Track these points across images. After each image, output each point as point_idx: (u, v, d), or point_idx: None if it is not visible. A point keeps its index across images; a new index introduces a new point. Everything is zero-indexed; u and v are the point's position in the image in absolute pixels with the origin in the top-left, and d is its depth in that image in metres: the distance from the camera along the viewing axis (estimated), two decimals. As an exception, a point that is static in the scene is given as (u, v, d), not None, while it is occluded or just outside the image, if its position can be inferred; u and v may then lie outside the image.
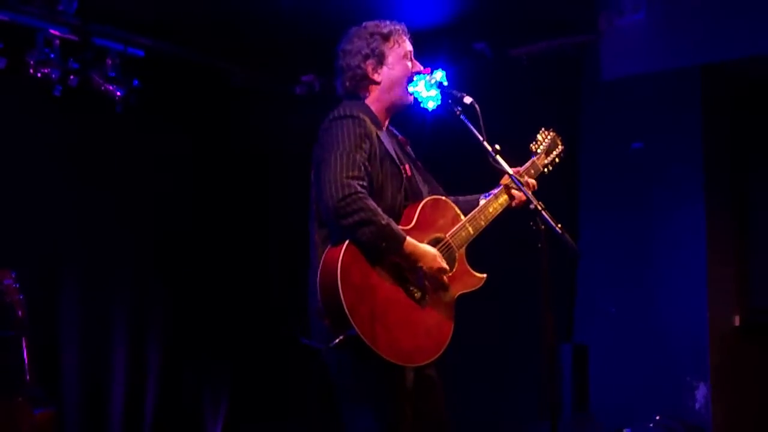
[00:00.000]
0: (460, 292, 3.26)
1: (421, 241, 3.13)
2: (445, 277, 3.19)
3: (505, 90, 5.80)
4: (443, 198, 3.33)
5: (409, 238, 3.07)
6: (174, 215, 5.98)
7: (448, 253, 3.21)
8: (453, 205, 3.34)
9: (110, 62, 5.44)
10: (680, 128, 5.59)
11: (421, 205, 3.22)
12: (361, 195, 3.00)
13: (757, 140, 5.71)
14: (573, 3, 5.68)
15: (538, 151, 3.66)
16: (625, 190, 5.77)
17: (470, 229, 3.29)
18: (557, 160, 3.72)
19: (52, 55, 5.16)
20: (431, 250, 3.14)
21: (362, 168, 3.07)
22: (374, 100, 3.32)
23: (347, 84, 3.33)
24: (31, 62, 5.12)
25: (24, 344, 4.37)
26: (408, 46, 3.37)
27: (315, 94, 6.46)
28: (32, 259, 5.21)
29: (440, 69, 3.35)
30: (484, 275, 3.32)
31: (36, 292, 4.90)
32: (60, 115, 5.39)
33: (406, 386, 3.11)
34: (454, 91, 3.30)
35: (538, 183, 3.54)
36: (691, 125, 5.55)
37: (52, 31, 5.19)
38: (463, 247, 3.28)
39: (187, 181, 6.12)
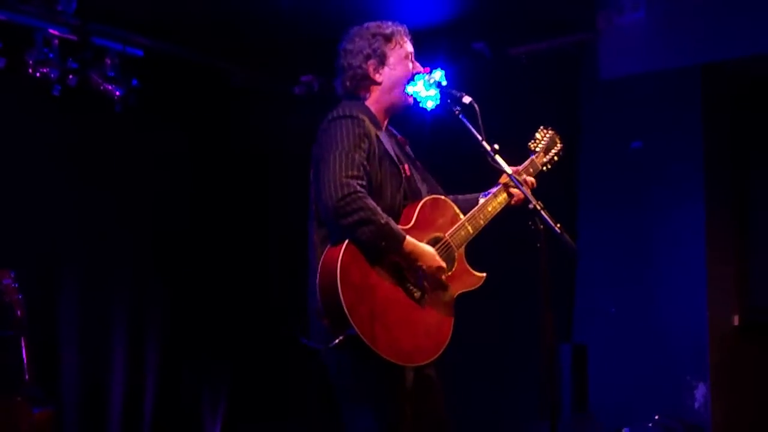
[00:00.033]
0: (459, 292, 3.25)
1: (420, 241, 3.13)
2: (444, 277, 3.18)
3: (504, 89, 5.80)
4: (442, 197, 3.33)
5: (408, 237, 3.07)
6: (173, 215, 5.98)
7: (447, 252, 3.21)
8: (452, 204, 3.34)
9: (109, 62, 5.44)
10: (680, 127, 5.58)
11: (420, 204, 3.22)
12: (360, 194, 3.00)
13: (757, 139, 5.70)
14: (572, 2, 5.68)
15: (537, 149, 3.66)
16: (625, 189, 5.77)
17: (469, 228, 3.29)
18: (556, 158, 3.72)
19: (51, 55, 5.15)
20: (430, 249, 3.14)
21: (361, 168, 3.06)
22: (374, 101, 3.32)
23: (348, 84, 3.33)
24: (30, 62, 5.11)
25: (23, 344, 4.37)
26: (409, 47, 3.37)
27: (314, 94, 6.45)
28: (31, 258, 5.20)
29: (439, 68, 3.35)
30: (484, 274, 3.32)
31: (35, 291, 4.89)
32: (59, 115, 5.38)
33: (406, 386, 3.11)
34: (453, 91, 3.30)
35: (537, 181, 3.54)
36: (692, 124, 5.55)
37: (51, 30, 5.19)
38: (463, 247, 3.28)
39: (186, 180, 6.12)
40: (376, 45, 3.30)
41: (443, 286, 3.20)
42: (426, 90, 3.32)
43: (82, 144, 5.54)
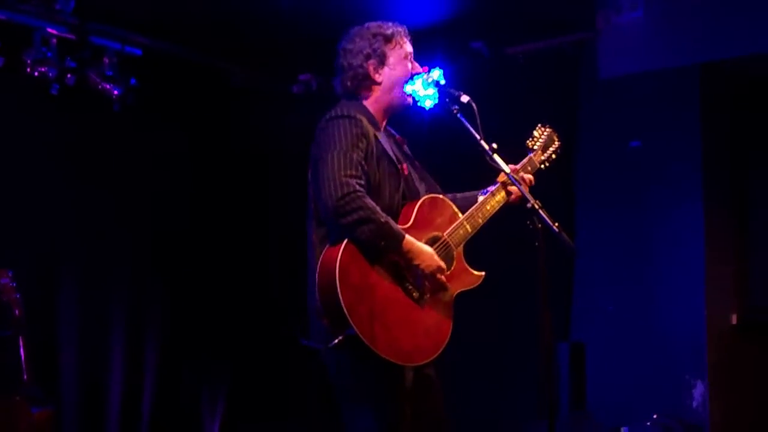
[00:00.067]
0: (458, 291, 3.26)
1: (419, 240, 3.13)
2: (443, 276, 3.18)
3: (503, 88, 5.80)
4: (441, 196, 3.34)
5: (407, 237, 3.07)
6: (172, 214, 5.97)
7: (446, 251, 3.21)
8: (450, 203, 3.34)
9: (107, 61, 5.43)
10: (679, 126, 5.58)
11: (418, 203, 3.22)
12: (359, 194, 3.00)
13: (756, 138, 5.70)
14: (570, 1, 5.68)
15: (535, 147, 3.66)
16: (623, 188, 5.77)
17: (468, 227, 3.29)
18: (554, 156, 3.72)
19: (49, 54, 5.14)
20: (429, 249, 3.14)
21: (360, 167, 3.07)
22: (373, 101, 3.32)
23: (348, 83, 3.34)
24: (28, 61, 5.10)
25: (21, 343, 4.37)
26: (408, 48, 3.38)
27: (313, 93, 6.45)
28: (29, 257, 5.20)
29: (437, 68, 3.36)
30: (482, 273, 3.32)
31: (33, 291, 4.89)
32: (57, 114, 5.37)
33: (406, 386, 3.11)
34: (452, 90, 3.30)
35: (535, 179, 3.54)
36: (690, 123, 5.55)
37: (49, 29, 5.18)
38: (461, 245, 3.29)
39: (185, 180, 6.11)
40: (376, 45, 3.31)
41: (442, 286, 3.20)
42: (424, 89, 3.32)
43: (80, 143, 5.53)
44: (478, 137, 3.22)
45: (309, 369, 4.55)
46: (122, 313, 5.74)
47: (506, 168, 3.27)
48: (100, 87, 5.39)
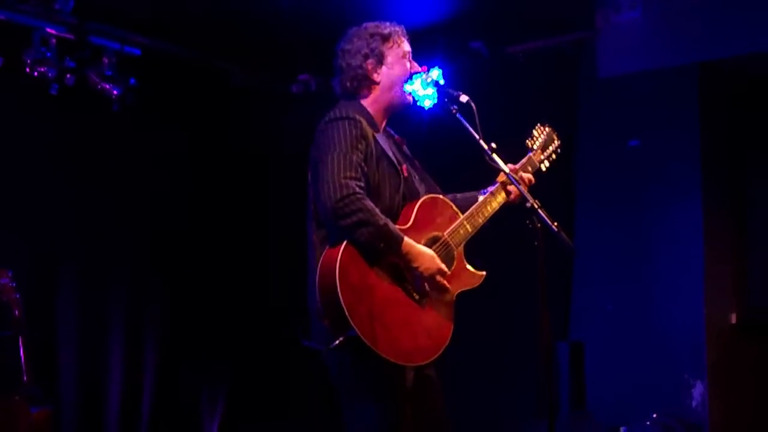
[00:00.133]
0: (459, 291, 3.26)
1: (419, 240, 3.13)
2: (443, 278, 3.18)
3: (502, 88, 5.80)
4: (440, 197, 3.34)
5: (407, 239, 3.07)
6: (172, 214, 5.97)
7: (446, 251, 3.21)
8: (450, 203, 3.34)
9: (107, 61, 5.43)
10: (677, 125, 5.59)
11: (418, 204, 3.22)
12: (359, 195, 3.00)
13: (754, 137, 5.70)
14: (569, 0, 5.68)
15: (534, 146, 3.66)
16: (622, 187, 5.78)
17: (468, 227, 3.29)
18: (554, 155, 3.72)
19: (49, 54, 5.15)
20: (429, 251, 3.14)
21: (359, 169, 3.07)
22: (373, 101, 3.32)
23: (347, 84, 3.34)
24: (28, 61, 5.11)
25: (21, 343, 4.37)
26: (406, 47, 3.38)
27: (312, 93, 6.45)
28: (29, 258, 5.20)
29: (437, 67, 3.36)
30: (483, 273, 3.32)
31: (33, 291, 4.89)
32: (56, 114, 5.37)
33: (406, 386, 3.11)
34: (451, 90, 3.31)
35: (535, 178, 3.54)
36: (689, 122, 5.55)
37: (48, 29, 5.18)
38: (462, 245, 3.29)
39: (185, 180, 6.11)
40: (374, 45, 3.31)
41: (443, 287, 3.20)
42: (423, 89, 3.32)
43: (79, 143, 5.53)
44: (477, 137, 3.23)
45: (309, 369, 4.55)
46: (122, 313, 5.74)
47: (505, 167, 3.28)
48: (99, 87, 5.39)
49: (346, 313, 2.93)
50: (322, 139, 3.14)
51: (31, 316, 4.52)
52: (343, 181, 3.01)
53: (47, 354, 5.26)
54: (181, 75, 5.99)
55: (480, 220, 3.33)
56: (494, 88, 5.60)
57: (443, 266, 3.15)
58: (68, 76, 5.25)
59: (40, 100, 5.22)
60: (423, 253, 3.12)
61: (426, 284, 3.15)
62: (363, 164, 3.10)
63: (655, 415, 5.22)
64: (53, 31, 5.21)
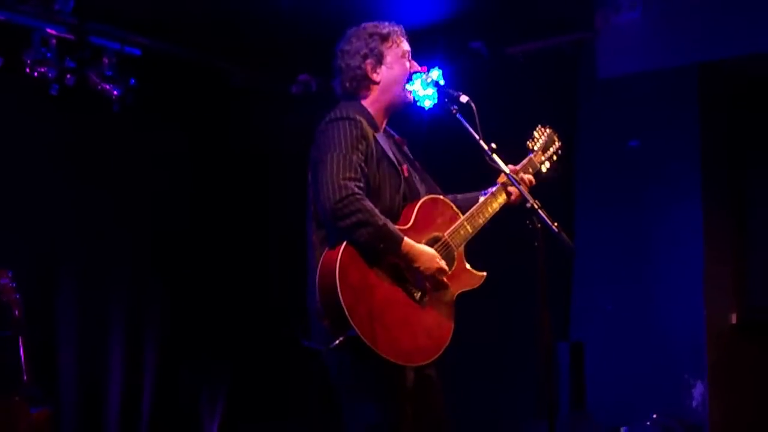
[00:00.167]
0: (459, 291, 3.26)
1: (419, 241, 3.13)
2: (444, 277, 3.19)
3: (502, 88, 5.80)
4: (441, 197, 3.34)
5: (406, 239, 3.07)
6: (172, 215, 5.97)
7: (446, 251, 3.21)
8: (451, 204, 3.35)
9: (107, 61, 5.43)
10: (677, 126, 5.59)
11: (418, 204, 3.22)
12: (358, 196, 3.00)
13: (754, 137, 5.71)
14: (569, 1, 5.69)
15: (535, 148, 3.67)
16: (622, 187, 5.78)
17: (469, 227, 3.29)
18: (554, 157, 3.72)
19: (49, 55, 5.14)
20: (429, 250, 3.14)
21: (359, 169, 3.07)
22: (373, 101, 3.32)
23: (347, 84, 3.34)
24: (28, 61, 5.10)
25: (21, 343, 4.37)
26: (405, 46, 3.38)
27: (312, 94, 6.45)
28: (29, 258, 5.20)
29: (437, 68, 3.36)
30: (484, 273, 3.32)
31: (33, 291, 4.89)
32: (57, 115, 5.37)
33: (407, 386, 3.11)
34: (451, 90, 3.31)
35: (535, 180, 3.54)
36: (689, 123, 5.55)
37: (48, 30, 5.18)
38: (462, 246, 3.29)
39: (185, 180, 6.11)
40: (373, 45, 3.31)
41: (443, 286, 3.20)
42: (423, 89, 3.33)
43: (80, 143, 5.53)
44: (477, 137, 3.23)
45: (309, 369, 4.55)
46: (122, 313, 5.74)
47: (505, 168, 3.28)
48: (99, 87, 5.39)
49: (346, 314, 2.92)
50: (322, 139, 3.14)
51: (31, 316, 4.52)
52: (342, 182, 3.00)
53: (47, 354, 5.26)
54: (181, 75, 5.99)
55: (480, 221, 3.33)
56: (494, 88, 5.60)
57: (444, 264, 3.16)
58: (68, 76, 5.25)
59: (40, 100, 5.22)
60: (423, 252, 3.12)
61: (427, 283, 3.15)
62: (363, 165, 3.10)
63: (655, 416, 5.22)
64: (53, 32, 5.21)
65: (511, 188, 3.38)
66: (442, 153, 4.73)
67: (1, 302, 4.41)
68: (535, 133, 3.70)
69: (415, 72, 3.34)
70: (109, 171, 5.66)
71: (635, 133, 5.74)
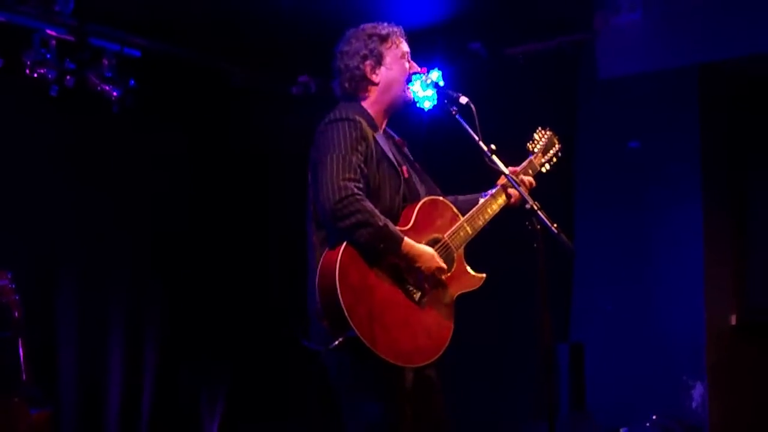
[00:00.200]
0: (459, 292, 3.26)
1: (419, 242, 3.13)
2: (443, 277, 3.19)
3: (501, 89, 5.80)
4: (441, 198, 3.34)
5: (406, 239, 3.07)
6: (172, 215, 5.97)
7: (446, 253, 3.21)
8: (450, 205, 3.35)
9: (107, 62, 5.43)
10: (678, 127, 5.59)
11: (418, 205, 3.22)
12: (358, 197, 3.00)
13: (755, 139, 5.71)
14: (569, 2, 5.68)
15: (535, 150, 3.67)
16: (622, 188, 5.78)
17: (468, 229, 3.29)
18: (554, 159, 3.73)
19: (49, 56, 5.14)
20: (429, 250, 3.14)
21: (358, 170, 3.07)
22: (372, 102, 3.33)
23: (346, 85, 3.34)
24: (28, 62, 5.10)
25: (20, 344, 4.37)
26: (405, 47, 3.38)
27: (312, 95, 6.46)
28: (29, 259, 5.20)
29: (436, 69, 3.36)
30: (483, 275, 3.32)
31: (33, 292, 4.89)
32: (56, 116, 5.37)
33: (406, 386, 3.11)
34: (450, 91, 3.31)
35: (535, 181, 3.55)
36: (689, 124, 5.55)
37: (48, 31, 5.18)
38: (462, 247, 3.29)
39: (185, 181, 6.11)
40: (372, 45, 3.32)
41: (443, 287, 3.20)
42: (423, 90, 3.33)
43: (79, 145, 5.53)
44: (476, 138, 3.23)
45: (309, 369, 4.56)
46: (121, 314, 5.74)
47: (505, 169, 3.28)
48: (99, 88, 5.39)
49: (346, 314, 2.92)
50: (322, 140, 3.14)
51: (31, 317, 4.52)
52: (342, 182, 3.01)
53: (47, 355, 5.26)
54: (180, 76, 5.99)
55: (480, 223, 3.33)
56: (493, 89, 5.59)
57: (442, 263, 3.15)
58: (68, 77, 5.24)
59: (40, 101, 5.22)
60: (424, 252, 3.12)
61: (426, 283, 3.15)
62: (362, 165, 3.10)
63: (654, 417, 5.22)
64: (53, 33, 5.21)
65: (511, 190, 3.39)
66: (442, 154, 4.73)
67: (0, 303, 4.40)
68: (536, 135, 3.71)
69: (415, 73, 3.34)
70: (108, 172, 5.66)
71: (635, 134, 5.74)
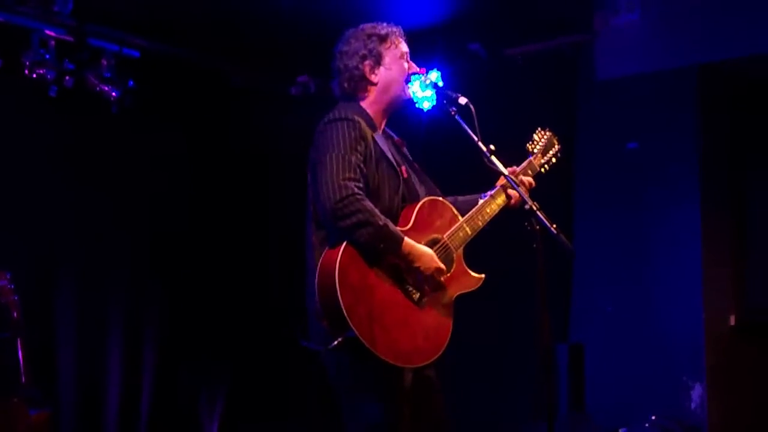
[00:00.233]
0: (458, 293, 3.26)
1: (419, 242, 3.13)
2: (443, 278, 3.19)
3: (501, 90, 5.80)
4: (440, 199, 3.34)
5: (407, 239, 3.07)
6: (171, 216, 5.97)
7: (445, 253, 3.21)
8: (450, 205, 3.35)
9: (105, 63, 5.43)
10: (677, 127, 5.59)
11: (418, 206, 3.22)
12: (358, 196, 3.00)
13: (754, 139, 5.71)
14: (568, 2, 5.69)
15: (535, 150, 3.67)
16: (621, 189, 5.78)
17: (468, 229, 3.29)
18: (554, 159, 3.73)
19: (48, 56, 5.14)
20: (428, 250, 3.14)
21: (358, 170, 3.07)
22: (371, 102, 3.33)
23: (345, 85, 3.34)
24: (27, 63, 5.10)
25: (19, 345, 4.37)
26: (404, 47, 3.38)
27: (312, 95, 6.46)
28: (28, 260, 5.20)
29: (435, 69, 3.36)
30: (482, 276, 3.32)
31: (32, 293, 4.90)
32: (55, 116, 5.37)
33: (405, 387, 3.11)
34: (449, 92, 3.31)
35: (535, 182, 3.55)
36: (688, 124, 5.55)
37: (47, 31, 5.18)
38: (461, 248, 3.29)
39: (184, 181, 6.11)
40: (371, 45, 3.32)
41: (442, 288, 3.20)
42: (422, 91, 3.33)
43: (78, 145, 5.53)
44: (476, 139, 3.23)
45: (308, 369, 4.56)
46: (120, 314, 5.74)
47: (504, 170, 3.28)
48: (98, 89, 5.39)
49: (345, 314, 2.92)
50: (321, 140, 3.14)
51: (30, 317, 4.53)
52: (342, 182, 3.01)
53: (46, 356, 5.26)
54: (180, 76, 5.99)
55: (479, 223, 3.33)
56: (493, 90, 5.59)
57: (441, 264, 3.15)
58: (67, 78, 5.24)
59: (38, 102, 5.22)
60: (424, 253, 3.12)
61: (425, 284, 3.15)
62: (362, 165, 3.10)
63: (654, 417, 5.22)
64: (52, 33, 5.21)
65: (510, 190, 3.39)
66: (441, 155, 4.73)
67: (-1, 304, 4.41)
68: (535, 136, 3.71)
69: (414, 73, 3.34)
70: (108, 172, 5.66)
71: (634, 134, 5.74)
